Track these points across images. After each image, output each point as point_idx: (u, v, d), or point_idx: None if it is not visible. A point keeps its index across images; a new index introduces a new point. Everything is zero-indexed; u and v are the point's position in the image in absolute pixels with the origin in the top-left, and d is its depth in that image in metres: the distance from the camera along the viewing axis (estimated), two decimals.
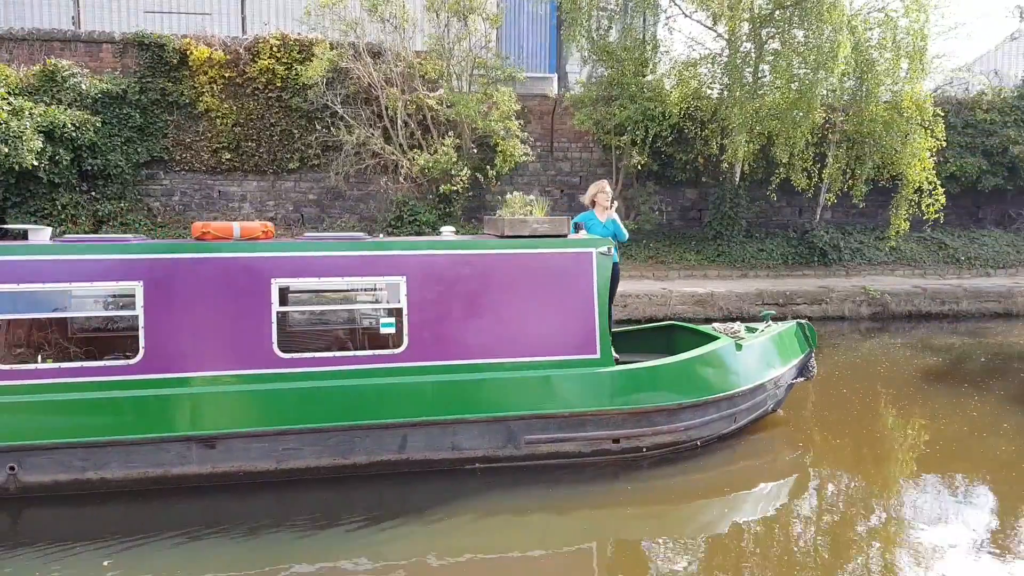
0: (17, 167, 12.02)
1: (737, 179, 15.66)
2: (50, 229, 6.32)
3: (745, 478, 6.45)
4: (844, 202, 16.38)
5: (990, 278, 16.15)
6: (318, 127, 14.60)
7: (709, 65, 15.28)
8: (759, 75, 14.62)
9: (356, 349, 6.24)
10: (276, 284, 5.91)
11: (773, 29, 14.53)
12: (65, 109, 12.99)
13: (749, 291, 13.32)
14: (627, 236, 7.74)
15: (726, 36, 14.73)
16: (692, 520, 5.78)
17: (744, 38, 14.59)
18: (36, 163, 12.26)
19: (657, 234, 16.13)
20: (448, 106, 14.25)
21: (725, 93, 14.87)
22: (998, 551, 5.19)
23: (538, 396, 6.26)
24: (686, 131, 15.27)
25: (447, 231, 6.98)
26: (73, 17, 15.99)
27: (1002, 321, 14.11)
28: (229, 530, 5.26)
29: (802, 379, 7.96)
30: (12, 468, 5.51)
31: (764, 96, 14.36)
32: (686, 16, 15.27)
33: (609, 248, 6.52)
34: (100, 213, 13.74)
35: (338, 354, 6.07)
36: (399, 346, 6.08)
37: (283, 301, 6.07)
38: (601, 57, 15.22)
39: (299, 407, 5.86)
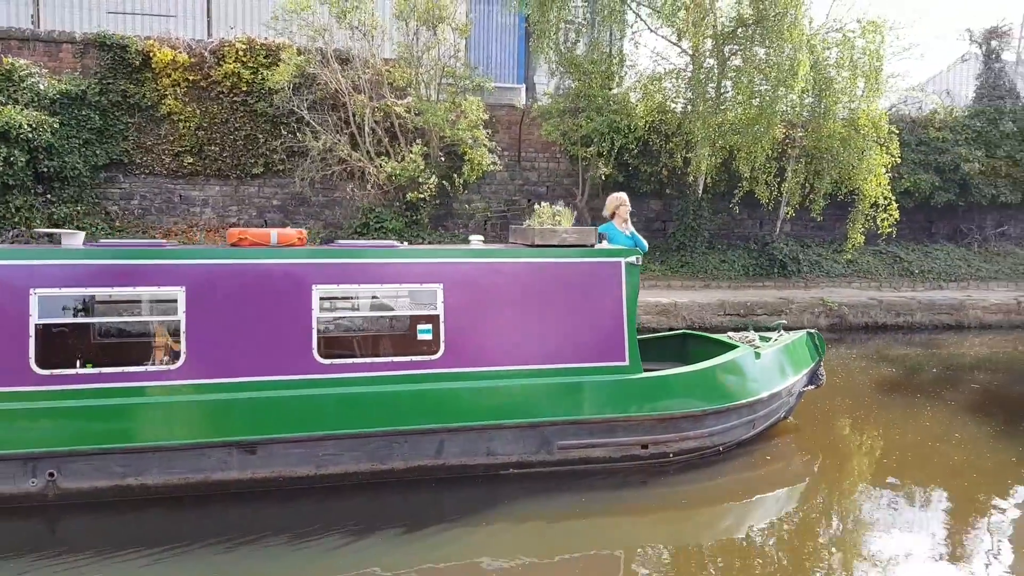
0: None
1: (700, 192, 15.92)
2: (83, 233, 6.25)
3: (765, 484, 6.67)
4: (803, 215, 16.76)
5: (942, 291, 16.66)
6: (284, 132, 14.49)
7: (674, 80, 15.54)
8: (722, 91, 14.92)
9: (394, 355, 6.28)
10: (317, 291, 5.95)
11: (735, 46, 14.85)
12: (21, 109, 12.69)
13: (711, 301, 13.55)
14: (647, 246, 7.99)
15: (690, 52, 15.01)
16: (715, 526, 5.93)
17: (707, 54, 14.88)
18: None
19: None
20: (416, 114, 14.26)
21: (689, 107, 15.14)
22: (953, 560, 5.36)
23: (570, 402, 6.37)
24: (651, 144, 15.49)
25: (475, 240, 7.07)
26: (32, 16, 15.64)
27: (954, 333, 14.57)
28: (268, 538, 5.24)
29: (812, 387, 8.19)
30: (51, 474, 5.44)
31: (726, 111, 14.66)
32: (652, 31, 15.54)
33: (638, 258, 6.73)
34: (56, 216, 13.43)
35: (377, 360, 6.15)
36: (435, 352, 6.14)
37: (323, 307, 6.12)
38: (568, 69, 15.40)
39: (339, 413, 5.89)
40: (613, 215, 8.08)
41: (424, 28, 14.20)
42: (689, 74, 15.19)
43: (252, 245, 6.01)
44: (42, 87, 13.28)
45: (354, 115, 14.30)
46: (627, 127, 14.79)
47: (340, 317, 6.71)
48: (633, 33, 15.94)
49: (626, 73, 16.01)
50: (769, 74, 14.09)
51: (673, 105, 15.60)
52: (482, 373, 6.20)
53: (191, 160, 14.48)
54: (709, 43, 14.82)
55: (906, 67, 40.65)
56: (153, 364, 5.85)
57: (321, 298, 5.99)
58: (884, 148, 15.38)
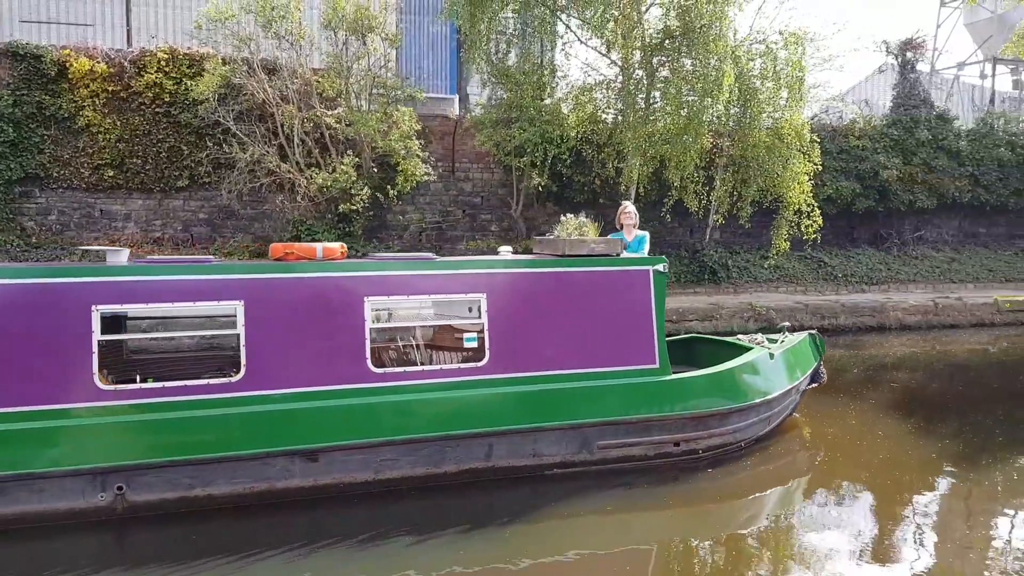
0: None
1: (632, 201, 16.12)
2: (127, 251, 6.33)
3: (780, 476, 7.19)
4: (731, 223, 17.14)
5: (864, 294, 17.26)
6: (209, 144, 14.12)
7: (604, 91, 15.73)
8: (651, 101, 15.14)
9: (442, 363, 6.52)
10: (369, 302, 6.17)
11: (664, 57, 15.10)
12: None
13: None
14: (646, 249, 8.18)
15: (619, 63, 15.21)
16: (743, 517, 6.36)
17: (636, 65, 15.10)
18: None
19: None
20: (347, 124, 14.08)
21: (619, 118, 15.32)
22: (881, 554, 5.52)
23: (607, 404, 6.70)
24: (584, 154, 15.63)
25: (504, 250, 7.41)
26: None
27: (876, 334, 15.11)
28: (332, 543, 5.40)
29: (814, 384, 8.68)
30: (120, 488, 5.51)
31: (656, 121, 14.89)
32: (582, 43, 15.69)
33: (664, 266, 7.11)
34: None
35: (427, 368, 6.35)
36: (481, 360, 6.41)
37: (375, 319, 6.33)
38: (500, 80, 15.43)
39: (394, 419, 6.12)
40: (622, 225, 8.40)
41: (353, 38, 14.05)
42: (619, 85, 15.39)
43: (298, 259, 6.25)
44: None
45: (282, 126, 14.03)
46: (559, 137, 14.89)
47: (390, 328, 6.88)
48: (564, 44, 16.08)
49: (557, 84, 16.13)
50: (696, 85, 14.37)
51: (604, 116, 15.77)
52: (525, 378, 6.49)
53: (112, 173, 13.98)
54: (638, 54, 15.04)
55: (827, 78, 42.23)
56: (215, 377, 5.94)
57: (373, 309, 6.22)
58: (807, 156, 15.84)
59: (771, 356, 7.68)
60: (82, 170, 13.92)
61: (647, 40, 14.86)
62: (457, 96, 17.17)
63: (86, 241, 13.95)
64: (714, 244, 17.32)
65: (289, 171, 14.06)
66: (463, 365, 6.42)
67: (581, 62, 16.49)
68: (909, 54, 19.95)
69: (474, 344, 6.47)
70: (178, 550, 5.23)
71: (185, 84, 13.80)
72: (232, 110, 13.84)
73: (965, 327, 16.21)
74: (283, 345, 5.93)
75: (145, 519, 5.54)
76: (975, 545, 5.59)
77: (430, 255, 6.89)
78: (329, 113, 14.21)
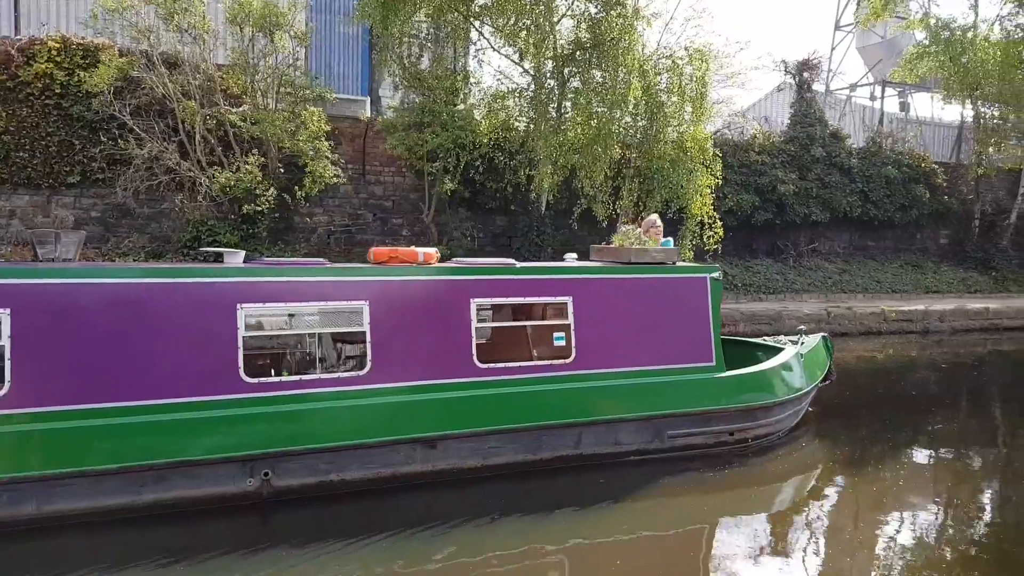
0: None
1: (543, 208, 16.31)
2: (243, 252, 6.85)
3: (813, 461, 8.16)
4: None
5: (762, 302, 18.00)
6: (104, 139, 13.45)
7: (516, 99, 15.86)
8: (562, 111, 15.37)
9: (535, 359, 7.12)
10: (474, 303, 6.78)
11: (575, 68, 15.36)
12: None
13: None
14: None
15: (532, 72, 15.38)
16: (789, 496, 7.27)
17: (548, 75, 15.29)
18: None
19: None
20: (253, 123, 13.67)
21: (531, 126, 15.47)
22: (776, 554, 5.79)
23: (675, 397, 7.45)
24: (496, 161, 15.71)
25: (570, 257, 8.15)
26: None
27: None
28: (450, 523, 5.93)
29: (827, 382, 9.42)
30: (266, 474, 5.96)
31: (567, 131, 15.10)
32: (495, 50, 15.78)
33: (720, 273, 7.95)
34: None
35: (523, 363, 6.99)
36: (568, 357, 7.08)
37: (479, 318, 6.88)
38: (413, 84, 15.35)
39: (499, 410, 6.74)
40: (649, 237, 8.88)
41: (261, 34, 13.67)
42: (531, 94, 15.55)
43: (401, 263, 6.82)
44: None
45: (183, 122, 13.50)
46: (472, 143, 14.92)
47: (491, 326, 7.38)
48: (477, 51, 16.17)
49: (470, 90, 16.16)
50: (605, 97, 14.67)
51: (517, 123, 15.90)
52: (606, 374, 7.20)
53: None
54: (550, 64, 15.24)
55: (729, 94, 43.47)
56: (344, 371, 6.48)
57: (478, 309, 6.81)
58: (709, 170, 16.37)
59: (800, 356, 8.52)
60: None
61: (559, 51, 15.08)
62: (369, 98, 16.93)
63: None
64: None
65: (190, 169, 13.55)
66: (553, 361, 7.04)
67: (494, 69, 16.72)
68: (806, 74, 20.97)
69: (562, 343, 7.09)
70: (318, 531, 5.69)
71: (78, 76, 13.09)
72: (129, 104, 13.22)
73: (855, 335, 17.11)
74: (402, 342, 6.48)
75: (287, 503, 6.01)
76: (865, 545, 6.07)
77: (511, 261, 7.47)
78: (234, 111, 13.76)
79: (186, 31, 13.33)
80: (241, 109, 13.85)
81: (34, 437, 5.44)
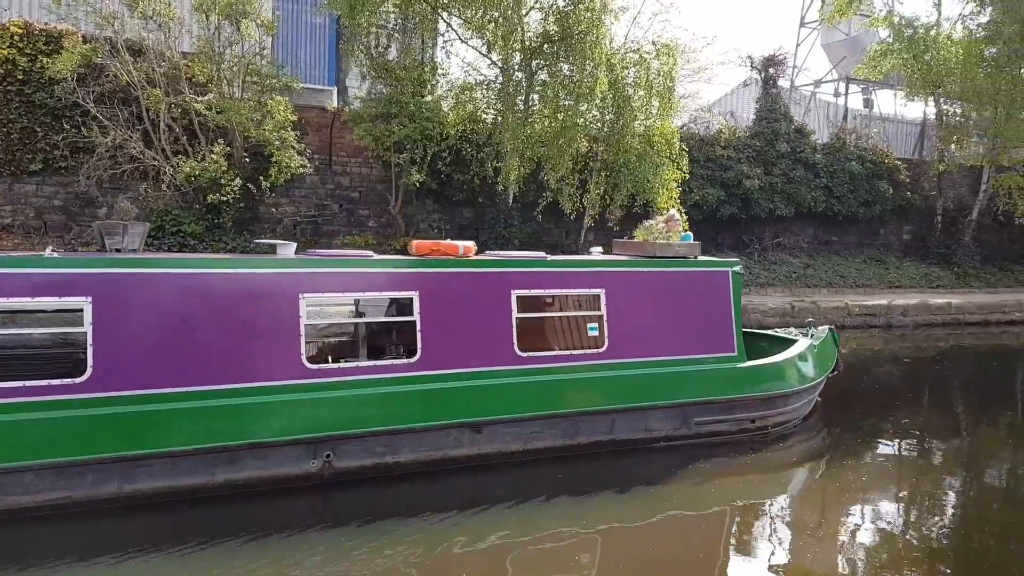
0: None
1: (511, 201, 16.41)
2: (295, 244, 7.13)
3: (827, 448, 8.58)
4: (603, 225, 17.68)
5: None
6: (67, 126, 13.33)
7: (484, 91, 15.92)
8: (530, 103, 15.47)
9: (571, 348, 7.42)
10: (515, 294, 7.13)
11: (542, 61, 15.45)
12: None
13: None
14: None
15: (500, 64, 15.45)
16: (806, 479, 7.78)
17: (516, 67, 15.38)
18: None
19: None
20: (218, 112, 13.61)
21: (499, 118, 15.55)
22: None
23: (701, 385, 7.83)
24: (463, 152, 15.76)
25: (596, 251, 8.45)
26: None
27: None
28: (496, 505, 6.31)
29: (835, 373, 9.81)
30: (327, 456, 6.30)
31: (534, 123, 15.22)
32: (463, 41, 15.82)
33: (741, 267, 8.35)
34: None
35: (561, 353, 7.34)
36: (601, 347, 7.45)
37: (519, 308, 7.18)
38: (380, 74, 15.35)
39: (540, 397, 7.11)
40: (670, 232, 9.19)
41: (227, 22, 13.61)
42: (499, 86, 15.63)
43: (443, 255, 7.08)
44: None
45: (148, 110, 13.41)
46: (439, 135, 14.97)
47: (530, 316, 7.52)
48: (445, 42, 16.19)
49: (438, 81, 16.19)
50: (572, 90, 14.79)
51: (484, 115, 15.96)
52: (636, 363, 7.55)
53: None
54: (518, 56, 15.33)
55: (696, 89, 43.90)
56: (395, 358, 6.79)
57: (518, 298, 7.13)
58: (676, 164, 16.58)
59: (814, 347, 8.92)
60: None
61: (527, 43, 15.17)
62: (336, 88, 16.91)
63: None
64: (588, 245, 17.80)
65: (154, 158, 13.47)
66: (587, 351, 7.39)
67: (462, 61, 16.70)
68: (771, 70, 21.21)
69: (596, 333, 7.43)
70: (375, 510, 6.07)
71: (41, 62, 12.96)
72: (92, 91, 13.11)
73: None
74: (449, 330, 6.81)
75: (345, 484, 6.38)
76: (884, 527, 6.60)
77: (542, 254, 7.85)
78: (199, 99, 13.69)
79: (151, 18, 13.23)
80: (207, 98, 13.78)
81: (115, 420, 5.75)
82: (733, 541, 6.11)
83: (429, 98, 15.65)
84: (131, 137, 13.29)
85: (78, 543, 5.39)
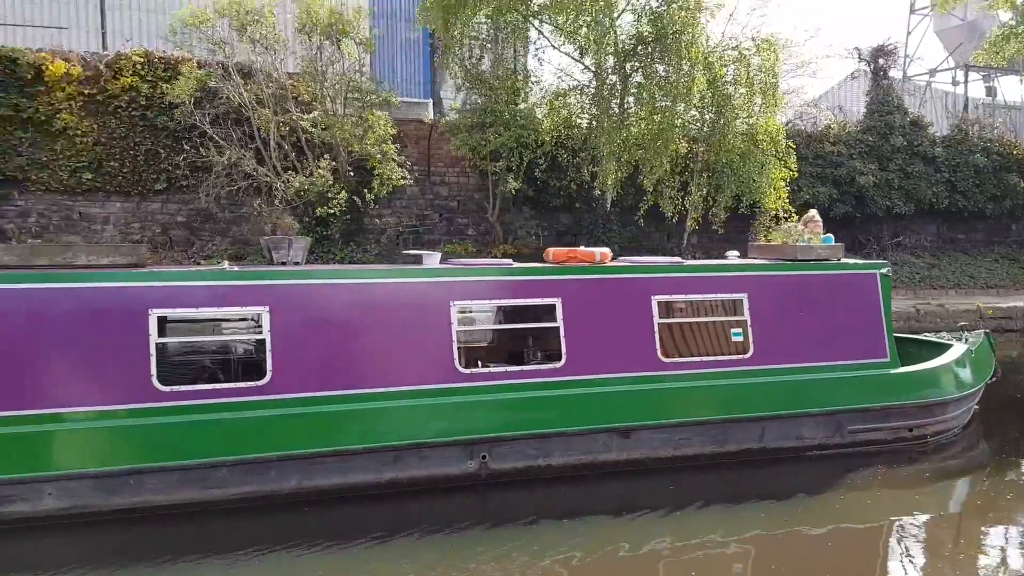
0: None
1: (608, 205, 16.24)
2: (439, 254, 7.47)
3: (983, 459, 8.17)
4: (706, 228, 17.17)
5: None
6: (186, 147, 14.20)
7: (578, 96, 15.87)
8: (625, 106, 15.28)
9: (716, 354, 7.29)
10: (655, 300, 7.09)
11: (637, 63, 15.26)
12: None
13: None
14: None
15: (593, 68, 15.36)
16: (966, 493, 7.42)
17: (610, 71, 15.25)
18: None
19: (535, 257, 16.42)
20: (323, 128, 14.18)
21: (594, 123, 15.44)
22: None
23: (854, 392, 7.54)
24: (559, 158, 15.74)
25: (732, 255, 8.26)
26: None
27: None
28: (646, 511, 6.28)
29: (994, 379, 9.31)
30: (484, 457, 6.48)
31: (630, 126, 15.01)
32: (555, 48, 15.86)
33: (889, 269, 8.04)
34: None
35: (705, 359, 7.21)
36: (747, 352, 7.29)
37: (661, 313, 7.15)
38: (474, 85, 15.57)
39: (684, 403, 7.05)
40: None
41: (328, 42, 14.19)
42: (593, 90, 15.54)
43: (580, 262, 7.16)
44: None
45: (259, 130, 14.14)
46: (535, 142, 15.02)
47: (671, 322, 7.48)
48: (536, 50, 16.27)
49: (531, 89, 16.27)
50: (669, 91, 14.52)
51: (579, 120, 15.90)
52: (784, 369, 7.36)
53: (90, 176, 14.06)
54: (611, 60, 15.20)
55: (800, 84, 42.14)
56: (543, 363, 6.90)
57: (659, 303, 7.09)
58: (783, 162, 15.94)
59: (971, 352, 8.51)
60: (60, 172, 13.98)
61: (620, 46, 15.03)
62: (431, 100, 17.30)
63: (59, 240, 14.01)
64: (691, 248, 17.40)
65: (266, 175, 14.16)
66: (732, 356, 7.23)
67: (555, 67, 16.66)
68: (881, 61, 20.15)
69: (740, 339, 7.28)
70: (530, 511, 6.17)
71: (161, 87, 13.91)
72: (208, 114, 13.95)
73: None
74: (592, 336, 6.85)
75: (499, 485, 6.52)
76: None
77: (678, 259, 7.94)
78: (305, 117, 14.31)
79: (258, 42, 13.98)
80: (312, 115, 14.39)
81: (293, 420, 6.13)
82: (892, 557, 5.84)
83: (523, 106, 15.75)
84: (244, 155, 14.03)
85: (262, 535, 5.76)
